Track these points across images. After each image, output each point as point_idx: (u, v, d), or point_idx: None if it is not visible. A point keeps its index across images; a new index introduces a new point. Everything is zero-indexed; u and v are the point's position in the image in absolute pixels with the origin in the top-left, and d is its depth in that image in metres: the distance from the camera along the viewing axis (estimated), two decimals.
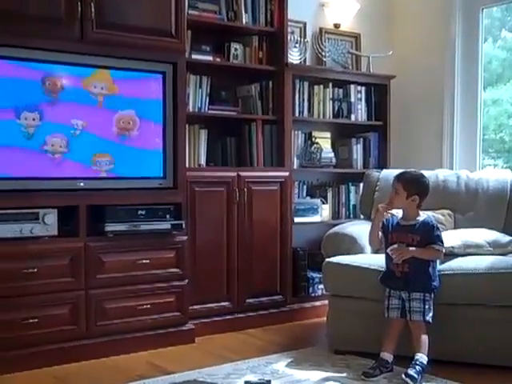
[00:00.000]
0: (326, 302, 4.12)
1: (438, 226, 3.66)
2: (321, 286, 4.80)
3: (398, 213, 3.71)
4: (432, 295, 3.54)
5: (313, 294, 4.92)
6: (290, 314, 4.72)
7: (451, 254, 3.76)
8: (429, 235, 3.57)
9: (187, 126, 4.31)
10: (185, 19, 4.16)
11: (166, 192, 4.10)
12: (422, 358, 3.40)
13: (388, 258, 3.62)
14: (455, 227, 4.27)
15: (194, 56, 4.45)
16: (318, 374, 3.49)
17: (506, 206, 4.29)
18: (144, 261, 3.95)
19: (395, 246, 3.55)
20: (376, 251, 4.06)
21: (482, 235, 3.98)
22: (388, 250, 3.57)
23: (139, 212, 3.96)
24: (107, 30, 3.82)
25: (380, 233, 3.68)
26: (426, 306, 3.50)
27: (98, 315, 3.81)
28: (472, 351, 3.62)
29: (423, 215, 3.69)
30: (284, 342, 4.20)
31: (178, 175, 4.12)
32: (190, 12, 4.35)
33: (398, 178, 3.65)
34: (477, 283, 3.60)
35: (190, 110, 4.43)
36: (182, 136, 4.18)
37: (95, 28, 3.79)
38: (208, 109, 4.55)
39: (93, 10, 3.76)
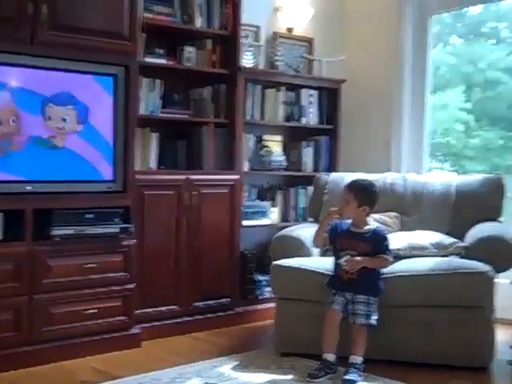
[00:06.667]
0: (274, 304, 4.15)
1: (388, 236, 3.72)
2: (268, 289, 4.80)
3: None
4: (377, 298, 3.59)
5: (260, 297, 4.93)
6: (237, 317, 4.73)
7: (397, 256, 3.82)
8: (379, 245, 3.64)
9: (138, 129, 4.31)
10: (139, 22, 4.15)
11: (115, 195, 4.08)
12: (355, 359, 3.46)
13: (337, 265, 3.67)
14: (402, 229, 4.32)
15: (147, 59, 4.43)
16: (264, 377, 3.51)
17: (451, 208, 4.36)
18: (91, 265, 3.93)
19: (348, 257, 3.60)
20: (324, 252, 4.11)
21: (427, 237, 4.05)
22: (341, 262, 3.61)
23: (87, 216, 3.94)
24: (59, 32, 3.79)
25: (326, 234, 3.72)
26: (371, 309, 3.56)
27: (43, 320, 3.76)
28: (415, 350, 3.70)
29: (373, 223, 3.76)
30: (231, 344, 4.21)
31: (128, 179, 4.11)
32: (144, 15, 4.35)
33: (349, 187, 3.70)
34: (420, 284, 3.67)
35: (142, 112, 4.41)
36: (132, 139, 4.16)
37: (47, 29, 3.75)
38: (160, 112, 4.55)
39: (45, 11, 3.72)
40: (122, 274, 4.07)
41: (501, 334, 3.88)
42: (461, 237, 4.08)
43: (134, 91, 4.16)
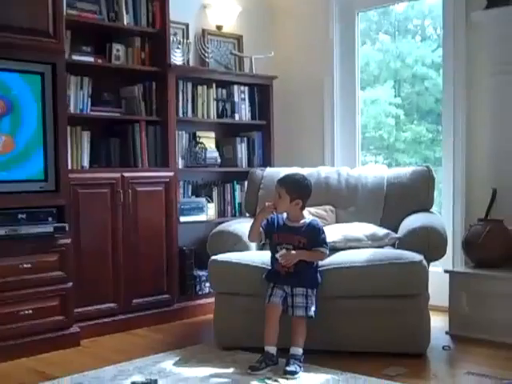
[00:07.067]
0: (213, 299, 4.13)
1: (323, 229, 3.75)
2: (208, 284, 4.79)
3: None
4: (314, 291, 3.63)
5: (200, 293, 4.94)
6: (177, 313, 4.71)
7: (333, 249, 3.86)
8: (315, 238, 3.67)
9: (69, 127, 4.24)
10: (63, 19, 4.07)
11: (47, 195, 4.01)
12: (296, 350, 3.51)
13: (274, 259, 3.68)
14: (337, 222, 4.39)
15: (74, 57, 4.38)
16: (206, 371, 3.50)
17: (383, 200, 4.43)
18: (26, 265, 3.86)
19: (283, 251, 3.61)
20: (261, 246, 4.12)
21: (361, 229, 4.11)
22: (278, 256, 3.62)
23: (19, 216, 3.87)
24: None
25: (261, 228, 3.73)
26: (309, 302, 3.59)
27: None
28: (353, 340, 3.75)
29: (309, 217, 3.80)
30: (172, 340, 4.19)
31: (60, 178, 4.05)
32: (68, 11, 4.28)
33: (281, 182, 3.71)
34: (356, 276, 3.72)
35: (72, 111, 4.36)
36: (64, 138, 4.10)
37: None
38: (90, 110, 4.49)
39: None
40: (59, 273, 4.01)
41: (434, 321, 3.96)
42: (395, 228, 4.15)
43: (62, 89, 4.10)
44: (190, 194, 5.12)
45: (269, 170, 4.82)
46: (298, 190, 3.69)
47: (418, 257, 3.74)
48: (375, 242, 4.03)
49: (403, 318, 3.71)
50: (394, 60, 5.50)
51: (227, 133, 5.41)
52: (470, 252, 4.34)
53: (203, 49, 5.28)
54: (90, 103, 4.49)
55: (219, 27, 5.42)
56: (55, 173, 4.04)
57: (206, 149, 5.06)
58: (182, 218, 4.86)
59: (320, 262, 3.72)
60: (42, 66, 3.98)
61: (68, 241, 4.06)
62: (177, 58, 4.99)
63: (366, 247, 3.98)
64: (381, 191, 4.46)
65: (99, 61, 4.56)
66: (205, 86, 5.15)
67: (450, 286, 4.22)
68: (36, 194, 3.98)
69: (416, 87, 5.41)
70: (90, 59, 4.50)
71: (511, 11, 4.32)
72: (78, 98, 4.43)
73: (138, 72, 4.78)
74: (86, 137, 4.47)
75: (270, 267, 3.73)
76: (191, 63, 5.24)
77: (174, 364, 3.64)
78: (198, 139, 5.09)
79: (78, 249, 4.19)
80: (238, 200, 5.33)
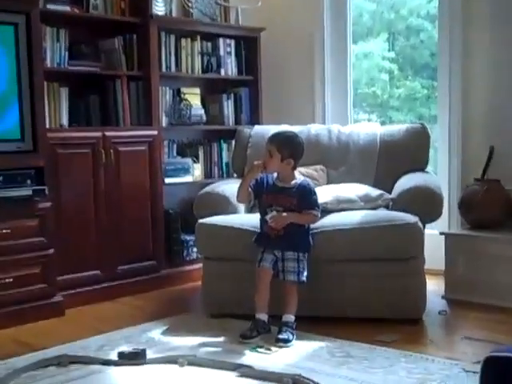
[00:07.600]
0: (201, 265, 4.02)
1: (315, 190, 3.63)
2: (195, 250, 4.68)
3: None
4: (306, 255, 3.53)
5: (188, 258, 4.84)
6: (164, 280, 4.62)
7: (325, 211, 3.73)
8: (306, 200, 3.54)
9: (46, 84, 4.07)
10: None
11: (25, 155, 3.84)
12: (288, 317, 3.44)
13: (263, 221, 3.55)
14: (328, 182, 4.26)
15: (49, 6, 4.18)
16: (196, 340, 3.40)
17: (376, 159, 4.29)
18: (4, 231, 3.72)
19: (274, 213, 3.48)
20: (250, 209, 3.99)
21: (354, 190, 3.99)
22: (267, 218, 3.49)
23: None
24: None
25: (249, 189, 3.59)
26: (301, 266, 3.49)
27: None
28: (347, 305, 3.66)
29: (299, 177, 3.65)
30: (159, 309, 4.12)
31: (38, 137, 3.88)
32: None
33: (272, 140, 3.56)
34: (349, 239, 3.61)
35: (48, 65, 4.17)
36: (40, 94, 3.92)
37: None
38: (68, 64, 4.30)
39: None
40: (39, 239, 3.88)
41: (430, 285, 3.86)
42: (388, 188, 4.03)
43: (38, 41, 3.91)
44: (175, 153, 4.98)
45: (257, 128, 4.66)
46: (291, 148, 3.54)
47: (412, 218, 3.64)
48: (368, 203, 3.92)
49: (398, 282, 3.61)
50: (387, 11, 5.32)
51: (213, 89, 5.25)
52: (467, 213, 4.26)
53: None
54: (67, 57, 4.30)
55: None
56: (32, 132, 3.86)
57: (190, 106, 4.89)
58: (167, 180, 4.72)
59: (311, 225, 3.59)
60: (15, 16, 3.77)
61: (48, 204, 3.91)
62: (159, 7, 4.78)
63: (359, 209, 3.86)
64: (374, 149, 4.31)
65: (76, 10, 4.35)
66: (189, 39, 4.97)
67: (446, 249, 4.15)
68: (12, 154, 3.81)
69: (411, 40, 5.25)
70: (66, 8, 4.29)
71: None
72: (55, 50, 4.26)
73: (117, 23, 4.58)
74: (64, 93, 4.31)
75: (259, 230, 3.60)
76: (174, 14, 5.03)
77: (163, 333, 3.55)
78: (182, 95, 4.92)
79: (58, 213, 4.04)
80: (225, 160, 5.20)
